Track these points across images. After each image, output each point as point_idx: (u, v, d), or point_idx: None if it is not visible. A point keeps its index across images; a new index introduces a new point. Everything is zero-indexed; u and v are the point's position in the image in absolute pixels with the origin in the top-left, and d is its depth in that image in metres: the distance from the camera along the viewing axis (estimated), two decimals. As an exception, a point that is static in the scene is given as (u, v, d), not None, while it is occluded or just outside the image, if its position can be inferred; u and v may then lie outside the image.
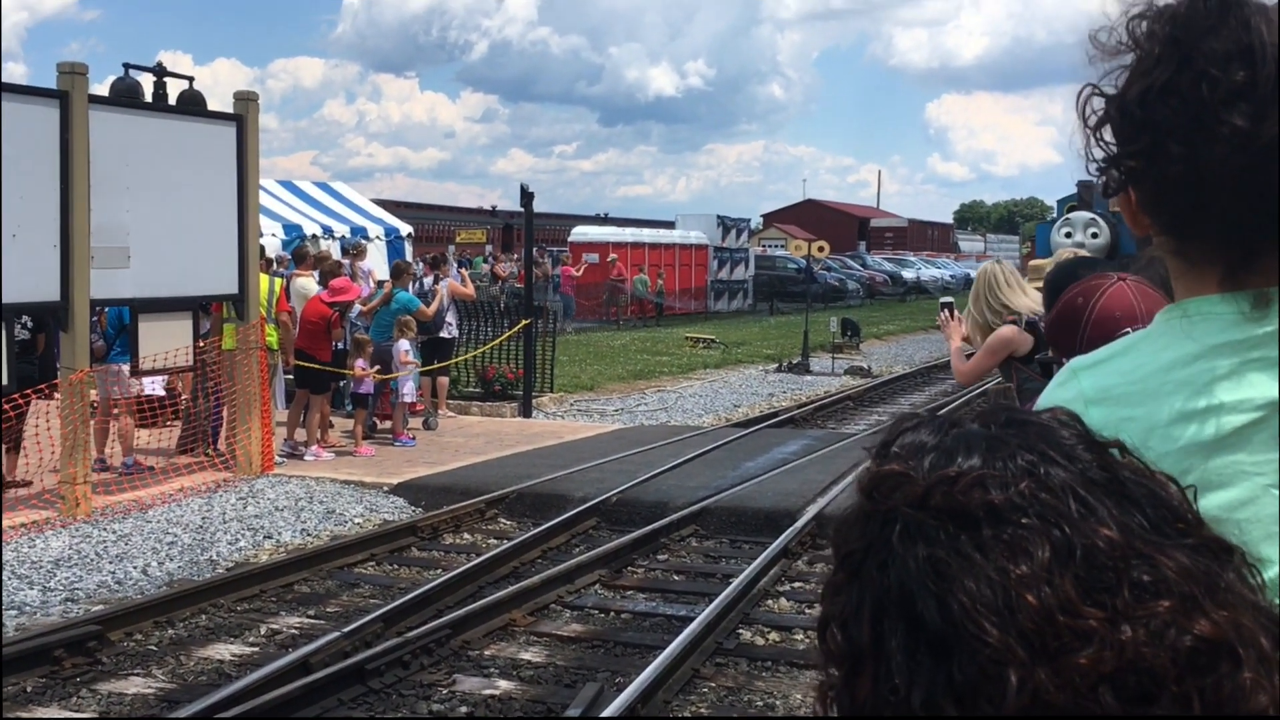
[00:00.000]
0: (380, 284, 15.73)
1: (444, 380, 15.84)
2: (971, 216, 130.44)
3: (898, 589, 0.79)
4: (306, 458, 12.70)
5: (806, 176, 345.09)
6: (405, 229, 21.70)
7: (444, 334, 15.38)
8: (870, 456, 0.89)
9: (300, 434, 13.22)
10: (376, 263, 18.34)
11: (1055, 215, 15.30)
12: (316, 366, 12.85)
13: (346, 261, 16.85)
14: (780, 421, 16.76)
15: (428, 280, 15.53)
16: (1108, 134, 1.34)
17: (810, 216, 79.64)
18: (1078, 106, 1.35)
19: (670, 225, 44.90)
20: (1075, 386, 1.39)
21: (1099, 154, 1.34)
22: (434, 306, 14.84)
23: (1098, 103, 1.34)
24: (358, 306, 13.94)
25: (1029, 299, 5.80)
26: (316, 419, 13.12)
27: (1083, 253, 6.89)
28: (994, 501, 0.80)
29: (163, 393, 12.31)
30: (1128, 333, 3.10)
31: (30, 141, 9.87)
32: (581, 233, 38.25)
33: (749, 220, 46.87)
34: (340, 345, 13.37)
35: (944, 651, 0.76)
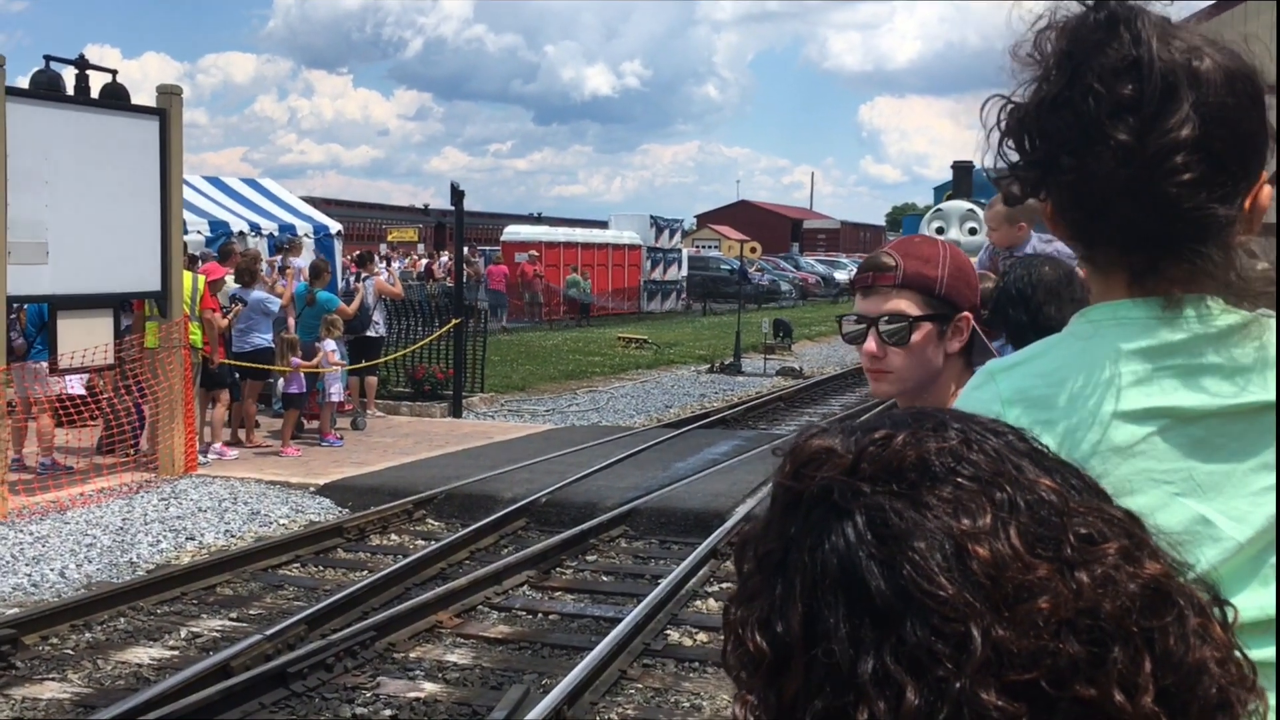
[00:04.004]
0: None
1: (372, 380, 15.69)
2: (903, 219, 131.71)
3: (835, 566, 0.75)
4: (209, 456, 12.44)
5: (741, 177, 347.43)
6: (335, 227, 21.42)
7: (371, 333, 15.23)
8: (783, 454, 0.86)
9: (226, 433, 13.05)
10: (307, 261, 18.09)
11: (936, 204, 13.60)
12: (233, 363, 12.70)
13: (277, 259, 16.62)
14: (711, 422, 16.79)
15: (352, 278, 15.38)
16: (1011, 143, 1.36)
17: (744, 217, 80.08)
18: (982, 115, 1.35)
19: (604, 225, 44.86)
20: (992, 388, 1.38)
21: (1003, 163, 1.36)
22: (355, 305, 14.69)
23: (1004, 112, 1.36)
24: (279, 301, 13.73)
25: None
26: (222, 414, 12.94)
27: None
28: (929, 458, 0.78)
29: (82, 391, 12.05)
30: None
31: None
32: (514, 232, 38.09)
33: (682, 221, 46.97)
34: (265, 342, 13.19)
35: (891, 619, 0.73)
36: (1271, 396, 1.28)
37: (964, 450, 0.79)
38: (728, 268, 44.91)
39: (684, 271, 44.20)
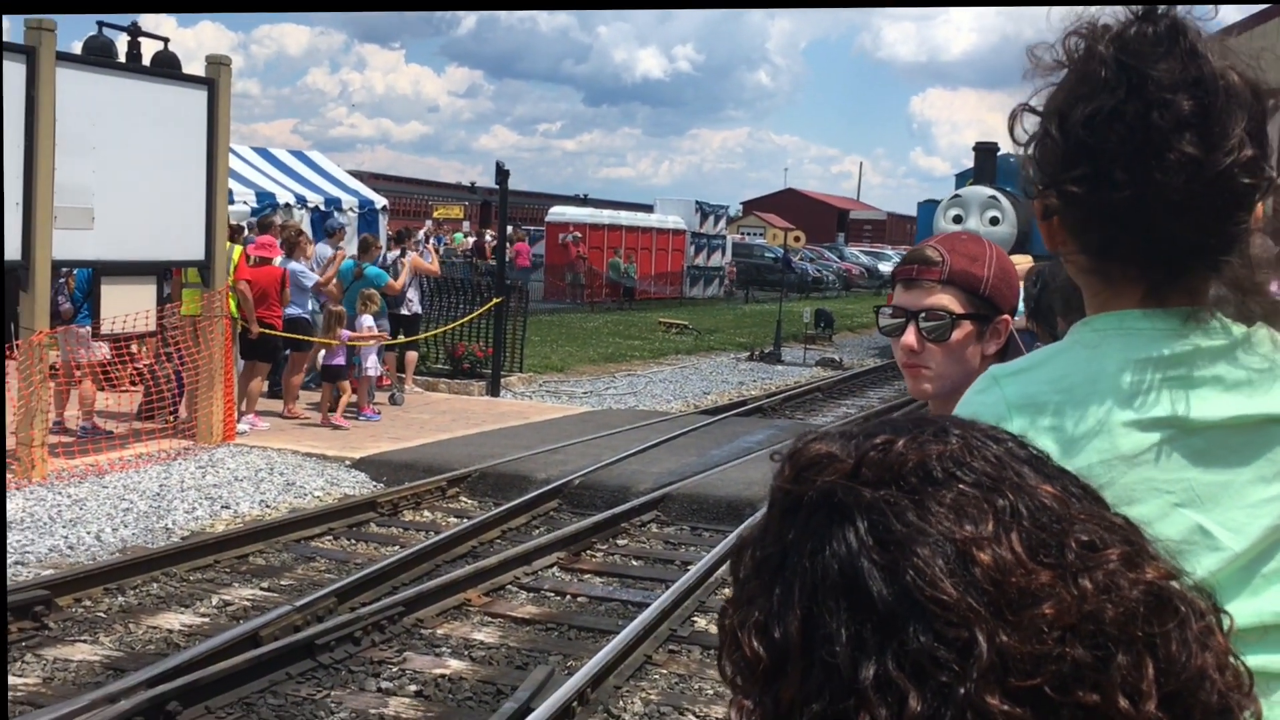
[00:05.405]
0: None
1: (412, 355, 15.71)
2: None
3: (836, 571, 0.75)
4: (241, 427, 12.47)
5: (789, 165, 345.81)
6: (380, 201, 21.52)
7: (404, 310, 15.17)
8: (782, 460, 0.86)
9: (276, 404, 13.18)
10: (347, 233, 18.17)
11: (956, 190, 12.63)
12: (272, 333, 12.79)
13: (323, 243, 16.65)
14: (748, 410, 16.75)
15: (391, 254, 15.37)
16: (1037, 152, 1.34)
17: (790, 206, 79.74)
18: (1011, 128, 1.35)
19: (649, 209, 44.76)
20: (997, 393, 1.38)
21: (1034, 173, 1.34)
22: (401, 280, 14.72)
23: (1031, 120, 1.34)
24: (315, 276, 13.77)
25: None
26: (259, 386, 13.03)
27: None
28: (931, 463, 0.78)
29: (108, 355, 12.06)
30: None
31: (-5, 97, 9.70)
32: (559, 213, 38.07)
33: (727, 207, 46.82)
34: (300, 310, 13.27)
35: (893, 624, 0.73)
36: (1273, 409, 1.30)
37: (965, 456, 0.79)
38: (772, 255, 44.71)
39: (728, 258, 44.06)
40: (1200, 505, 1.27)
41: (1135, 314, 1.32)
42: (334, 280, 14.03)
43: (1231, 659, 0.79)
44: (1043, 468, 0.81)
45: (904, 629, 0.72)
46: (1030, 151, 1.34)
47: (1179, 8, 1.29)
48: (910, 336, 2.27)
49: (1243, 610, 1.25)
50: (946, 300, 2.27)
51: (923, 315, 2.28)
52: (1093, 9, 1.32)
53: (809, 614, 0.76)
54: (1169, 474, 1.27)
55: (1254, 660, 1.21)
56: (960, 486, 0.77)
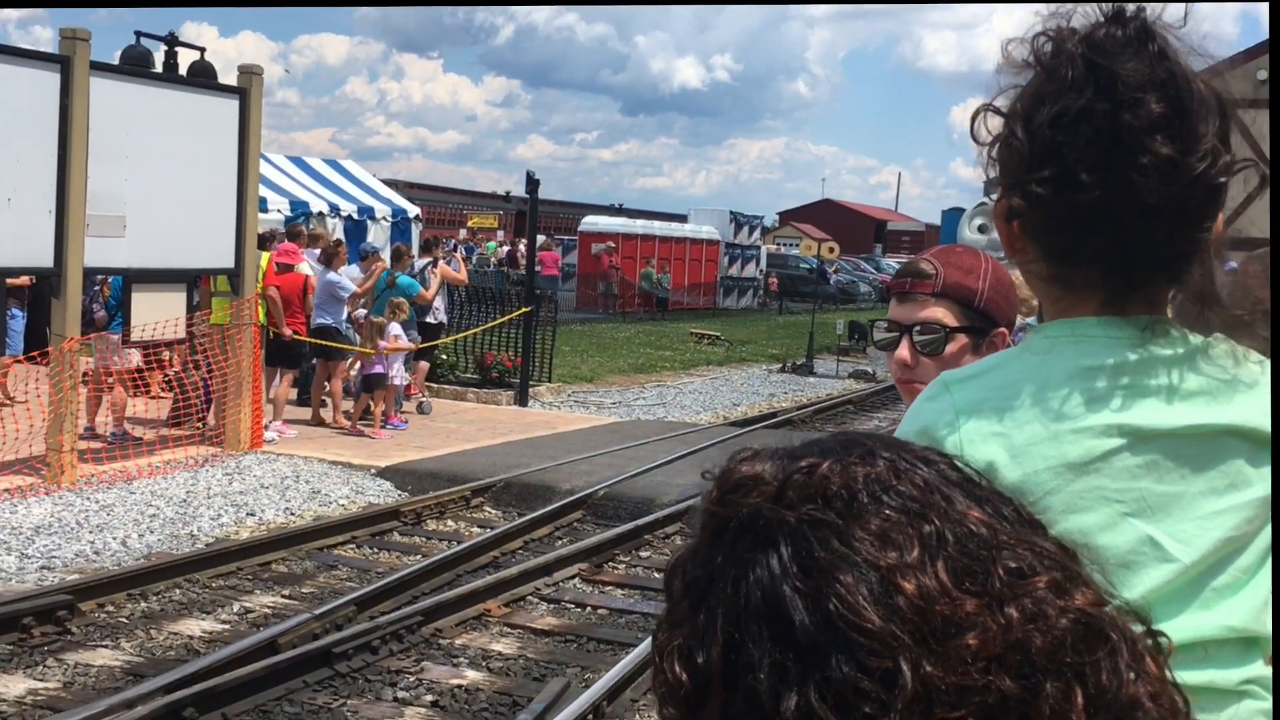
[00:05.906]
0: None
1: (425, 364, 15.69)
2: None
3: (759, 598, 0.74)
4: (269, 434, 12.50)
5: (827, 176, 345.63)
6: (413, 210, 21.62)
7: (430, 319, 15.19)
8: (711, 479, 0.83)
9: (307, 412, 13.25)
10: (379, 242, 18.26)
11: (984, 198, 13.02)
12: (301, 339, 12.84)
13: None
14: (778, 422, 16.69)
15: (420, 263, 15.41)
16: (1001, 153, 1.32)
17: (827, 217, 79.52)
18: (973, 127, 1.32)
19: (684, 219, 44.75)
20: (947, 399, 1.36)
21: (995, 175, 1.32)
22: (433, 289, 14.78)
23: (995, 121, 1.31)
24: (353, 287, 13.83)
25: None
26: (285, 392, 13.09)
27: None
28: (856, 487, 0.76)
29: (140, 364, 12.15)
30: None
31: (29, 106, 9.82)
32: (591, 222, 38.13)
33: (762, 217, 46.71)
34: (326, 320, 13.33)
35: (816, 654, 0.71)
36: (1228, 420, 1.28)
37: (892, 480, 0.77)
38: (806, 266, 44.59)
39: (762, 268, 43.98)
40: (1150, 516, 1.25)
41: (1090, 321, 1.30)
42: (369, 293, 14.10)
43: (1168, 687, 0.76)
44: (974, 491, 0.79)
45: (827, 659, 0.71)
46: (994, 153, 1.32)
47: (1149, 12, 1.26)
48: (904, 350, 2.25)
49: (1189, 625, 1.23)
50: (940, 313, 2.24)
51: (917, 329, 2.25)
52: (1066, 5, 1.29)
53: (731, 641, 0.74)
54: (1119, 483, 1.25)
55: (1201, 676, 1.20)
56: (886, 512, 0.75)
